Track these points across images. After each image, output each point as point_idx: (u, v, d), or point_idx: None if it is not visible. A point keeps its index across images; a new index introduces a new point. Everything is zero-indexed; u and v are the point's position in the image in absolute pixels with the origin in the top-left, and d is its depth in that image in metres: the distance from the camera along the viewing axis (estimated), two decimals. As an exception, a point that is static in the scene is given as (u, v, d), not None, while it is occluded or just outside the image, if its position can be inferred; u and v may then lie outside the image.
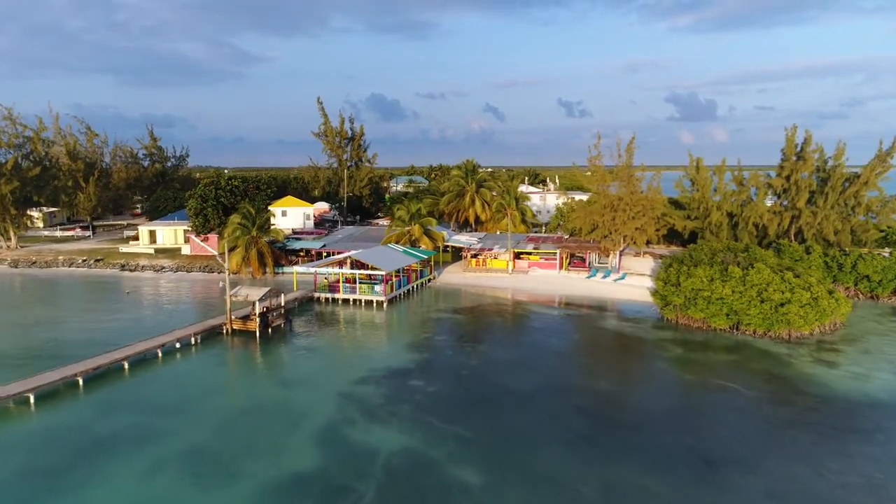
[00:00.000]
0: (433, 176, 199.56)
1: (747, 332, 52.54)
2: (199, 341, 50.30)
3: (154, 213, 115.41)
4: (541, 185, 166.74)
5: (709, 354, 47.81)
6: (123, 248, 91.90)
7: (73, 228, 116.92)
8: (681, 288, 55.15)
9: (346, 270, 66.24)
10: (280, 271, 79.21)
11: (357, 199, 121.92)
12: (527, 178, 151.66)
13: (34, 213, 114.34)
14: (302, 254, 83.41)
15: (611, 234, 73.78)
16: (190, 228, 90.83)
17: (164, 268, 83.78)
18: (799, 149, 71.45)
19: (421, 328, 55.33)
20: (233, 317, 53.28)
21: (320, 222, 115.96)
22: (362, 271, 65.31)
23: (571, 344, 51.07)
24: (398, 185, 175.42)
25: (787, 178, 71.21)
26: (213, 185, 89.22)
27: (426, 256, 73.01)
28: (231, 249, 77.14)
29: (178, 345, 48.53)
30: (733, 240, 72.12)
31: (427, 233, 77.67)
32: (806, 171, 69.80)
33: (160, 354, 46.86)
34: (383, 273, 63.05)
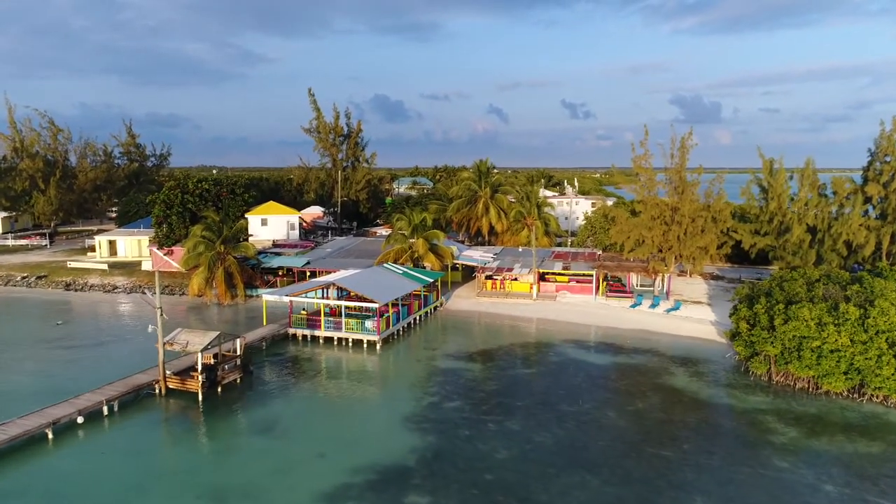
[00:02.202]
0: (438, 177, 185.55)
1: (876, 399, 38.07)
2: (115, 410, 36.03)
3: (124, 219, 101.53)
4: (555, 189, 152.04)
5: (838, 440, 33.25)
6: (73, 263, 77.82)
7: (30, 237, 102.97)
8: (776, 333, 40.62)
9: (330, 301, 51.86)
10: (253, 294, 65.01)
11: (353, 203, 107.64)
12: (542, 181, 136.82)
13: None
14: (281, 273, 69.11)
15: (662, 251, 59.27)
16: (153, 239, 76.76)
17: (116, 287, 69.72)
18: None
19: (425, 386, 40.93)
20: (169, 372, 39.03)
21: (312, 230, 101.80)
22: (350, 303, 50.89)
23: (635, 418, 36.50)
24: (401, 188, 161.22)
25: (885, 184, 56.51)
26: (179, 187, 75.09)
27: (431, 280, 58.63)
28: (193, 268, 63.14)
29: (80, 418, 34.23)
30: (816, 261, 57.46)
31: (433, 249, 63.31)
32: (910, 176, 55.13)
33: (50, 435, 32.60)
34: (377, 305, 48.64)
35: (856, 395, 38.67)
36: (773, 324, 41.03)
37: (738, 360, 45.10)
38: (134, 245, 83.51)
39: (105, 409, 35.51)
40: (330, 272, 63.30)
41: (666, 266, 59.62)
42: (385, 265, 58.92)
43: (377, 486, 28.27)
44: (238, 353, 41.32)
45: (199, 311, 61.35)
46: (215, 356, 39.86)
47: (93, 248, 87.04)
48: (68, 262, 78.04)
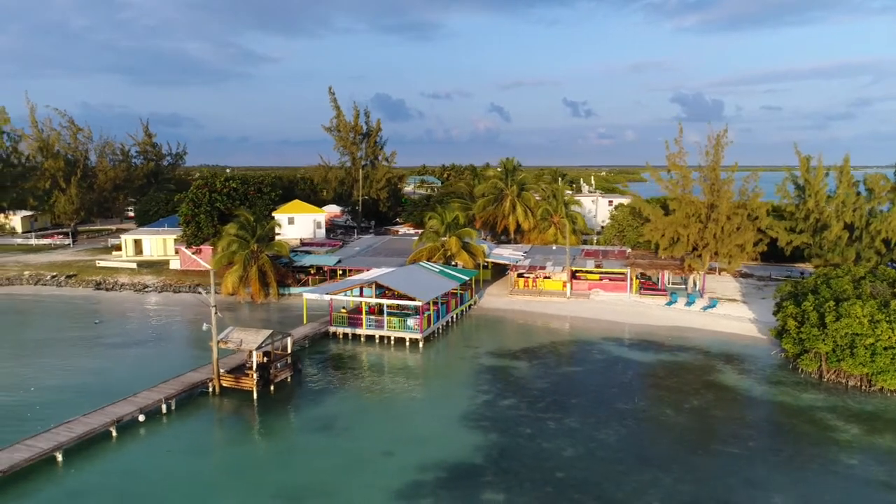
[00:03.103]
0: (446, 176, 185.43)
1: (931, 397, 38.01)
2: (172, 408, 36.05)
3: (144, 218, 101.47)
4: (569, 188, 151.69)
5: (902, 437, 33.19)
6: (102, 262, 77.87)
7: (52, 235, 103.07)
8: (828, 330, 40.50)
9: (371, 299, 51.78)
10: (286, 293, 65.05)
11: (373, 202, 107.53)
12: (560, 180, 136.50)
13: (0, 217, 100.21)
14: (312, 271, 69.11)
15: (698, 249, 59.16)
16: (179, 238, 76.74)
17: (146, 287, 69.74)
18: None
19: (475, 384, 40.91)
20: (222, 370, 39.05)
21: (331, 229, 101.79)
22: (393, 301, 50.84)
23: (694, 416, 36.43)
24: (409, 186, 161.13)
25: (925, 180, 56.34)
26: (207, 186, 75.03)
27: (468, 278, 58.59)
28: (226, 266, 63.12)
29: (141, 417, 34.28)
30: (854, 259, 57.26)
31: (465, 247, 63.25)
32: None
33: (114, 433, 32.63)
34: (420, 303, 48.61)
35: (911, 393, 38.60)
36: (824, 321, 40.92)
37: (785, 357, 45.04)
38: (159, 244, 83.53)
39: (164, 407, 35.55)
40: (361, 270, 63.35)
41: (703, 264, 59.50)
42: (421, 263, 58.85)
43: (449, 483, 28.26)
44: (288, 351, 41.30)
45: (232, 309, 61.31)
46: (266, 354, 39.86)
47: (117, 248, 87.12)
48: (97, 262, 78.07)
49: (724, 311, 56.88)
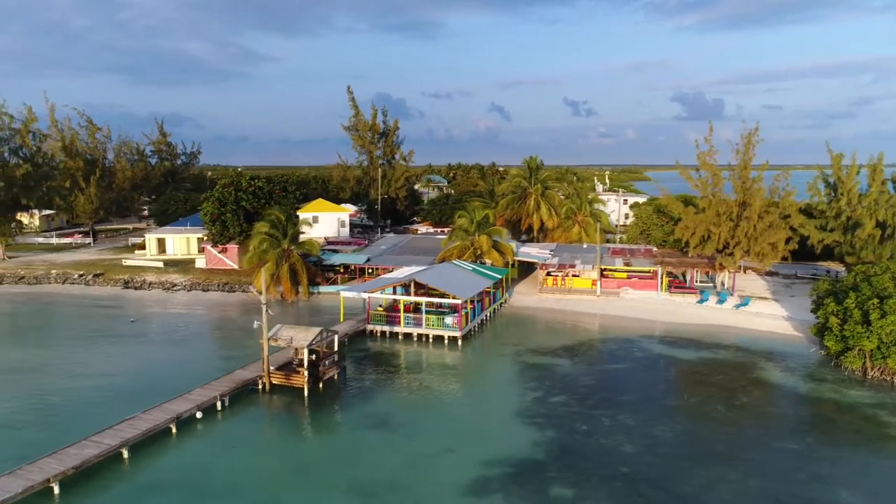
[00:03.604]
0: (452, 175, 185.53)
1: (979, 393, 38.20)
2: (226, 405, 36.26)
3: (162, 218, 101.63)
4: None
5: (957, 433, 33.38)
6: (127, 261, 78.06)
7: (72, 234, 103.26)
8: (872, 328, 40.68)
9: (410, 297, 51.89)
10: (315, 291, 65.23)
11: (391, 201, 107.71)
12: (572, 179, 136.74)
13: (26, 217, 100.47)
14: (341, 270, 69.32)
15: (730, 247, 59.32)
16: (205, 237, 76.96)
17: (175, 285, 69.88)
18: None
19: (521, 381, 41.13)
20: (272, 368, 39.23)
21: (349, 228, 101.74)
22: (432, 299, 51.06)
23: (745, 413, 36.63)
24: (415, 186, 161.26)
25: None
26: (233, 186, 75.31)
27: (500, 276, 58.77)
28: (258, 265, 63.30)
29: (198, 413, 34.49)
30: (874, 256, 57.39)
31: (496, 246, 63.42)
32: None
33: (174, 430, 32.83)
34: (459, 301, 48.80)
35: (958, 389, 38.80)
36: (868, 318, 41.10)
37: (825, 354, 45.21)
38: (182, 243, 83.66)
39: (218, 404, 35.75)
40: (389, 269, 63.70)
41: (734, 262, 59.69)
42: (454, 262, 59.03)
43: (516, 479, 28.45)
44: (335, 348, 41.47)
45: (256, 309, 61.42)
46: (313, 352, 40.01)
47: (140, 246, 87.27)
48: (123, 260, 78.26)
49: (756, 310, 57.07)
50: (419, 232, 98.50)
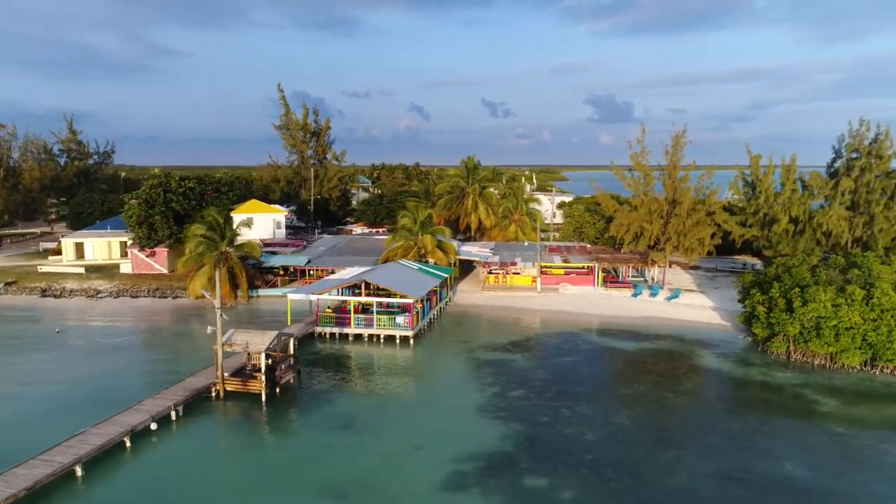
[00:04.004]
0: (377, 175, 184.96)
1: (886, 370, 42.41)
2: (180, 414, 34.85)
3: (77, 221, 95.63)
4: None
5: (874, 407, 37.04)
6: (43, 268, 72.87)
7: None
8: (796, 315, 44.31)
9: (359, 298, 51.54)
10: (255, 295, 63.47)
11: (323, 201, 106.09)
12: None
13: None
14: (280, 272, 67.78)
15: (660, 243, 62.68)
16: (131, 241, 73.09)
17: (99, 292, 65.96)
18: (864, 144, 62.70)
19: (478, 377, 41.87)
20: (226, 374, 38.00)
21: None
22: (383, 299, 51.00)
23: (690, 398, 39.02)
24: None
25: (856, 179, 62.27)
26: (162, 186, 71.89)
27: (446, 275, 59.41)
28: (194, 268, 60.88)
29: (153, 425, 32.97)
30: (790, 249, 62.49)
31: (439, 245, 64.01)
32: (880, 171, 61.14)
33: (128, 443, 31.25)
34: (411, 300, 49.01)
35: (868, 368, 42.89)
36: (792, 306, 44.71)
37: (752, 341, 48.73)
38: (103, 247, 79.02)
39: (173, 414, 34.32)
40: (328, 270, 63.31)
41: (665, 257, 63.11)
42: (400, 262, 59.10)
43: (490, 472, 29.09)
44: (291, 352, 40.69)
45: (201, 313, 59.31)
46: (270, 356, 39.07)
47: (55, 251, 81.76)
48: (38, 267, 72.99)
49: (686, 301, 60.62)
50: (353, 233, 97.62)
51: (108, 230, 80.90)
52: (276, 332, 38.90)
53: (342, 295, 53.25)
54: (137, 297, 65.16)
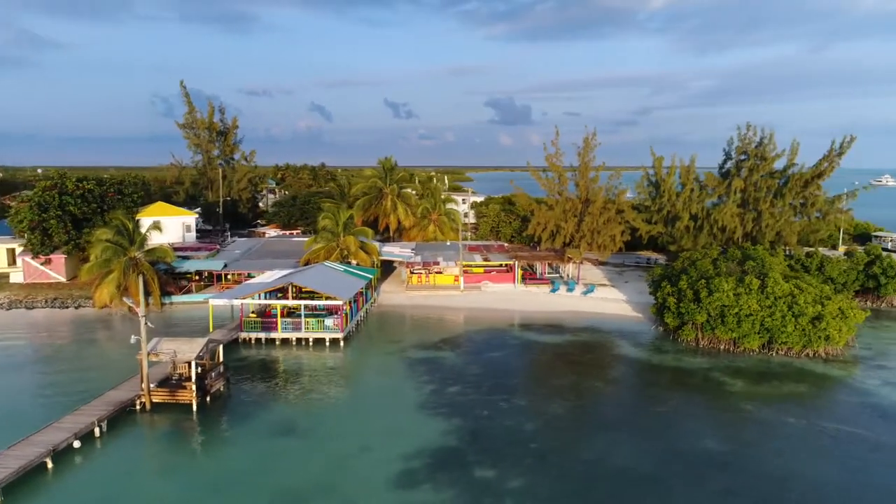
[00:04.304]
0: (281, 176, 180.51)
1: (780, 352, 46.99)
2: (104, 430, 32.75)
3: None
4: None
5: (774, 384, 40.96)
6: (-84, 279, 65.47)
7: None
8: (703, 304, 48.11)
9: (288, 301, 50.40)
10: (168, 302, 60.25)
11: (232, 203, 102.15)
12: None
13: None
14: (194, 277, 64.80)
15: (575, 241, 65.77)
16: (22, 247, 67.26)
17: (-12, 304, 60.19)
18: (751, 146, 68.92)
19: (413, 375, 42.24)
20: (151, 385, 36.05)
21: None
22: (312, 302, 50.14)
23: (617, 385, 41.44)
24: None
25: (745, 179, 68.29)
26: (57, 188, 66.66)
27: (371, 276, 59.27)
28: (101, 276, 56.94)
29: (76, 442, 30.79)
30: (692, 244, 67.68)
31: (362, 246, 63.70)
32: (765, 171, 67.39)
33: (50, 464, 29.02)
34: (340, 302, 48.55)
35: (766, 350, 47.32)
36: (699, 297, 48.50)
37: (663, 330, 52.32)
38: (-14, 255, 72.06)
39: (97, 430, 32.19)
40: (244, 274, 61.66)
41: (580, 254, 66.25)
42: (325, 263, 58.25)
43: (440, 467, 29.60)
44: (220, 359, 39.20)
45: (109, 324, 55.81)
46: (199, 364, 37.49)
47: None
48: None
49: (601, 295, 63.98)
50: (266, 235, 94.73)
51: (-9, 236, 73.90)
52: (205, 339, 37.40)
53: (268, 299, 51.81)
54: (33, 307, 60.09)
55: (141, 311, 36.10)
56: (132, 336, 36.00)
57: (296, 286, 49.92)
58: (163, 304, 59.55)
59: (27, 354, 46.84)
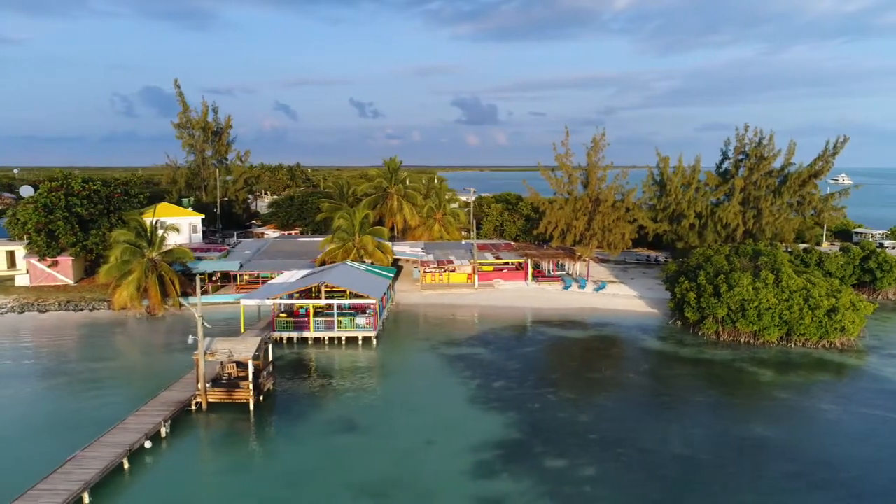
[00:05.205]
0: (257, 176, 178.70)
1: (798, 343, 49.20)
2: (168, 430, 32.85)
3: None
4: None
5: (801, 374, 43.02)
6: (-84, 283, 63.53)
7: None
8: (723, 299, 50.04)
9: (321, 300, 50.62)
10: (185, 303, 59.81)
11: (227, 204, 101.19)
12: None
13: None
14: (214, 277, 64.47)
15: (585, 239, 67.35)
16: (27, 250, 65.88)
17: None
18: (749, 147, 71.53)
19: (454, 372, 43.06)
20: (207, 385, 36.16)
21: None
22: (344, 301, 50.46)
23: (650, 377, 42.87)
24: None
25: (745, 178, 70.85)
26: (63, 189, 65.47)
27: (392, 275, 59.85)
28: (121, 278, 56.43)
29: (147, 443, 30.87)
30: (699, 241, 69.99)
31: (379, 246, 64.20)
32: (764, 170, 70.02)
33: (126, 464, 29.09)
34: (373, 301, 49.09)
35: (784, 342, 49.49)
36: (719, 291, 50.42)
37: (681, 325, 54.13)
38: (-16, 258, 70.27)
39: (163, 430, 32.26)
40: (254, 274, 61.83)
41: (590, 252, 67.87)
42: (347, 263, 58.59)
43: (510, 458, 30.52)
44: (270, 358, 39.44)
45: (129, 326, 55.19)
46: (240, 364, 37.61)
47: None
48: (-89, 282, 63.51)
49: (612, 292, 65.67)
50: (265, 236, 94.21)
51: (-11, 239, 72.11)
52: (258, 339, 37.60)
53: (292, 298, 51.91)
54: (46, 311, 58.96)
55: (197, 311, 36.12)
56: (189, 336, 36.04)
57: (329, 286, 50.15)
58: (181, 305, 59.28)
59: (59, 357, 46.12)
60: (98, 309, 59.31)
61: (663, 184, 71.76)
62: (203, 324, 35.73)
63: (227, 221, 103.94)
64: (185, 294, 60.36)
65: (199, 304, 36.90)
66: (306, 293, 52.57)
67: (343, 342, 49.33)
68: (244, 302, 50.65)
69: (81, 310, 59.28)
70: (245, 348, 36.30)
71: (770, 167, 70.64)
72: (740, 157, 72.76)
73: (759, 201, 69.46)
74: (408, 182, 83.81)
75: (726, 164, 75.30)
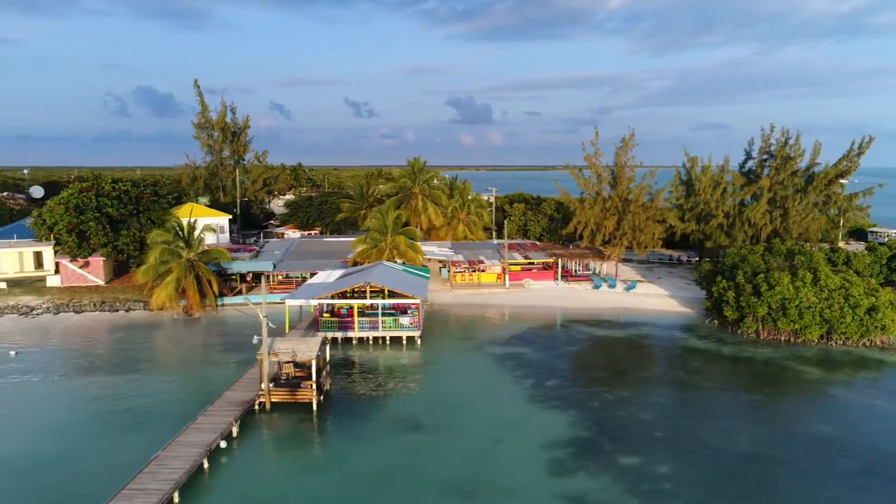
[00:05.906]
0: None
1: (839, 342, 49.67)
2: (239, 430, 33.03)
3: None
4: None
5: (847, 371, 43.52)
6: (-52, 284, 63.40)
7: None
8: (763, 298, 50.46)
9: (365, 300, 50.77)
10: (221, 303, 59.95)
11: (246, 204, 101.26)
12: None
13: None
14: (249, 277, 64.60)
15: (616, 239, 67.74)
16: (58, 251, 65.81)
17: (33, 309, 58.78)
18: (774, 147, 72.08)
19: (504, 371, 43.33)
20: (270, 385, 36.32)
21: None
22: (388, 301, 50.63)
23: (701, 375, 43.16)
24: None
25: (771, 178, 71.36)
26: (94, 189, 65.42)
27: (427, 275, 60.03)
28: (157, 279, 56.49)
29: (222, 442, 31.05)
30: (728, 241, 70.45)
31: (411, 246, 64.39)
32: (790, 170, 70.55)
33: (206, 464, 29.26)
34: (418, 300, 49.32)
35: (825, 340, 49.95)
36: (758, 290, 50.85)
37: (719, 324, 54.51)
38: (13, 259, 70.08)
39: (234, 429, 32.45)
40: (281, 274, 62.07)
41: (619, 252, 68.26)
42: (384, 263, 58.73)
43: (583, 455, 30.81)
44: (327, 358, 39.62)
45: (168, 326, 55.24)
46: (298, 365, 37.79)
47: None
48: (-56, 284, 63.37)
49: (643, 291, 66.06)
50: (286, 236, 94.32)
51: (15, 240, 71.98)
52: (319, 338, 37.81)
53: (333, 298, 52.08)
54: (82, 311, 58.92)
55: (261, 311, 36.27)
56: (254, 336, 36.18)
57: (372, 286, 50.32)
58: (219, 306, 59.41)
59: (112, 355, 46.15)
60: (134, 309, 59.35)
61: (691, 183, 72.20)
62: (267, 324, 35.86)
63: (244, 221, 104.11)
64: (222, 294, 60.49)
65: (263, 304, 37.08)
66: (344, 293, 52.73)
67: (387, 342, 49.53)
68: (289, 302, 50.77)
69: (117, 310, 59.30)
70: (308, 348, 36.49)
71: (796, 167, 71.13)
72: (765, 157, 73.25)
73: (786, 201, 69.96)
74: (434, 181, 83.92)
75: (750, 163, 75.82)
